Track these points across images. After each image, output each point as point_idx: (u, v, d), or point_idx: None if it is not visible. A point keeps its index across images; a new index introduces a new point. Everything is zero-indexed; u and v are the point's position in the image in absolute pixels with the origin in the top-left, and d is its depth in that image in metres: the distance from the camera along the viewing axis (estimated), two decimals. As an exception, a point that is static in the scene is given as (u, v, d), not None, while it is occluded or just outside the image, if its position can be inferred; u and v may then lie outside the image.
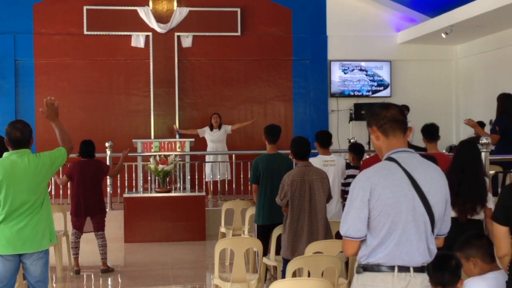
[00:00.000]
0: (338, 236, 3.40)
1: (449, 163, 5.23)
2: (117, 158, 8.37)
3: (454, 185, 4.80)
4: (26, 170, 4.37)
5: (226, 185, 10.63)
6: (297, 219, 5.42)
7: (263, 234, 6.19)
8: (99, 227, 7.36)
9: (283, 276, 5.37)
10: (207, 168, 10.97)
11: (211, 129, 11.28)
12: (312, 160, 6.60)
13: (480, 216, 4.98)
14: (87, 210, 7.30)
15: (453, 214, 4.80)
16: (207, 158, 11.10)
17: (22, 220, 4.37)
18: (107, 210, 8.86)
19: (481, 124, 9.96)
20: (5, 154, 4.47)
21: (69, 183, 7.68)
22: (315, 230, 5.39)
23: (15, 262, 4.41)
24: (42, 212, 4.47)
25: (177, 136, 11.41)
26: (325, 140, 6.68)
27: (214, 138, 11.15)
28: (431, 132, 6.19)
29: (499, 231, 3.35)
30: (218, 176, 10.67)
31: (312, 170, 5.51)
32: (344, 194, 6.76)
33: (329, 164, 6.56)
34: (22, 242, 4.36)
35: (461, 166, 4.96)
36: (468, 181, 4.88)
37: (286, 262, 5.47)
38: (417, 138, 10.68)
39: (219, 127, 11.29)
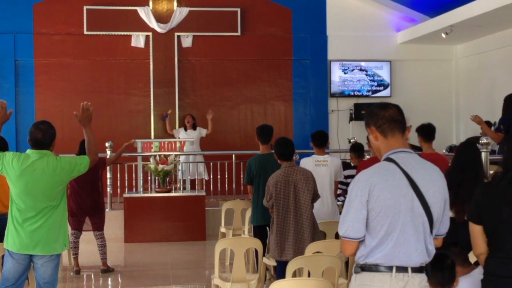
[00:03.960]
0: (338, 236, 3.41)
1: (444, 163, 5.23)
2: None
3: (453, 185, 4.81)
4: (44, 171, 4.36)
5: (225, 185, 10.61)
6: (283, 220, 5.42)
7: (260, 234, 6.20)
8: (97, 227, 7.35)
9: (278, 278, 5.38)
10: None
11: (185, 130, 11.47)
12: (305, 160, 6.63)
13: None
14: (85, 210, 7.28)
15: (450, 214, 4.80)
16: (185, 159, 11.11)
17: (36, 221, 4.37)
18: (107, 210, 8.88)
19: (488, 124, 9.98)
20: (27, 151, 4.48)
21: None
22: (301, 230, 5.39)
23: (26, 263, 4.42)
24: (57, 215, 4.46)
25: (165, 117, 11.71)
26: (319, 140, 6.67)
27: (188, 139, 11.20)
28: (428, 132, 6.19)
29: (474, 230, 3.36)
30: (196, 176, 10.70)
31: (296, 170, 5.52)
32: (345, 193, 6.76)
33: (321, 164, 6.55)
34: (35, 243, 4.36)
35: (461, 166, 4.96)
36: (467, 181, 4.88)
37: (279, 264, 5.48)
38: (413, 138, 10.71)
39: (194, 128, 11.45)
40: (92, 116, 4.62)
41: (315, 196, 5.57)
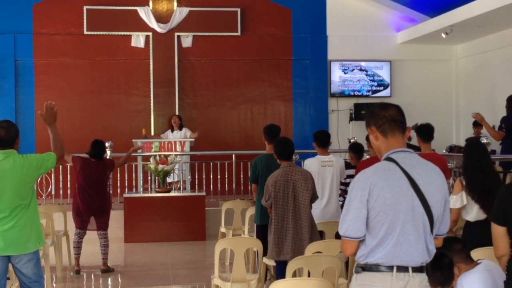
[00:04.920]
0: (338, 236, 3.41)
1: (442, 163, 5.21)
2: (118, 158, 8.40)
3: (478, 185, 4.76)
4: (12, 171, 4.33)
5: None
6: (281, 220, 5.42)
7: (262, 234, 6.18)
8: (102, 227, 7.37)
9: (277, 278, 5.37)
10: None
11: (172, 131, 11.56)
12: (310, 160, 6.61)
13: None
14: (93, 209, 7.32)
15: (483, 216, 4.76)
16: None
17: (8, 222, 4.34)
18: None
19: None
20: None
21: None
22: (299, 230, 5.39)
23: (4, 262, 4.39)
24: (29, 214, 4.43)
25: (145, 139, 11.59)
26: (323, 140, 6.65)
27: (174, 139, 11.17)
28: (426, 132, 6.18)
29: (497, 231, 3.35)
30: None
31: (296, 170, 5.51)
32: (344, 193, 6.75)
33: (327, 164, 6.54)
34: (8, 244, 4.33)
35: (478, 166, 4.91)
36: (490, 180, 4.83)
37: (278, 264, 5.47)
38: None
39: (180, 128, 11.52)
40: (56, 115, 4.63)
41: (314, 197, 5.56)
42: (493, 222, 3.40)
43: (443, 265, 3.42)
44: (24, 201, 4.41)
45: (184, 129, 11.57)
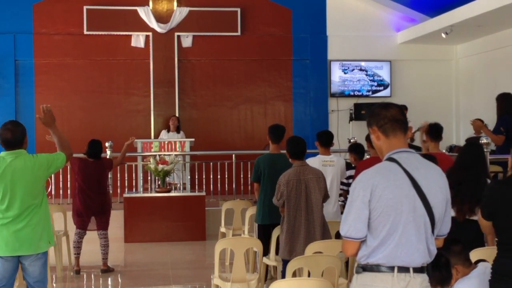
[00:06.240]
0: (338, 236, 3.40)
1: (450, 163, 5.23)
2: (116, 157, 8.38)
3: (454, 184, 4.80)
4: (23, 170, 4.36)
5: (222, 185, 10.60)
6: (293, 219, 5.42)
7: (264, 234, 6.18)
8: (103, 227, 7.37)
9: (283, 277, 5.37)
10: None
11: (168, 131, 11.53)
12: (311, 160, 6.61)
13: (478, 216, 4.98)
14: (93, 210, 7.30)
15: (451, 213, 4.79)
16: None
17: (20, 221, 4.36)
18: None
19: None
20: (1, 154, 4.46)
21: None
22: (312, 229, 5.39)
23: (14, 262, 4.41)
24: (41, 213, 4.46)
25: None
26: (325, 140, 6.67)
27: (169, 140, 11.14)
28: (435, 131, 6.19)
29: (486, 225, 3.32)
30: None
31: (308, 169, 5.51)
32: (346, 194, 6.75)
33: (327, 164, 6.55)
34: (20, 243, 4.36)
35: (464, 165, 4.95)
36: (469, 181, 4.88)
37: (285, 263, 5.47)
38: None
39: (177, 131, 11.48)
40: (54, 116, 4.68)
41: (326, 196, 5.56)
42: (483, 218, 3.36)
43: (441, 265, 3.43)
44: (36, 201, 4.44)
45: (181, 133, 11.54)
